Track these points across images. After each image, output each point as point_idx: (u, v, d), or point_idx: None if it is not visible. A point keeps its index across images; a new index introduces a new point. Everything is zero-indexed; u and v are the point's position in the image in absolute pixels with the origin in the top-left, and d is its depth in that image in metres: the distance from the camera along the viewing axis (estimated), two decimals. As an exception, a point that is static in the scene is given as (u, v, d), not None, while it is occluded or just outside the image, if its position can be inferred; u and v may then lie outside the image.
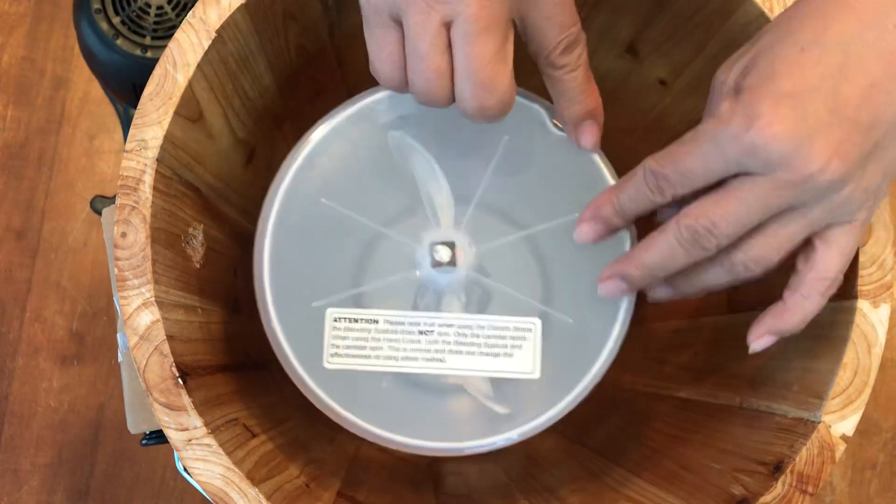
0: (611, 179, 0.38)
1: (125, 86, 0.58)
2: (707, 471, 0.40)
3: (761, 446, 0.38)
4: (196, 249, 0.41)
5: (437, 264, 0.37)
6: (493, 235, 0.39)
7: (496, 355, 0.38)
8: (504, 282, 0.39)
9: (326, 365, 0.37)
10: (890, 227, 0.36)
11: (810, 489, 0.35)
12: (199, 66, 0.36)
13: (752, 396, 0.40)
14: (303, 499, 0.38)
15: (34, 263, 0.78)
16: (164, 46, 0.36)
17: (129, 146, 0.36)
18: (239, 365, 0.44)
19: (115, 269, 0.35)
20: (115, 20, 0.56)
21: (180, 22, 0.36)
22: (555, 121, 0.38)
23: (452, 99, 0.33)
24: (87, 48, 0.57)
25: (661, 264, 0.33)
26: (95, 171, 0.80)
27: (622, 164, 0.36)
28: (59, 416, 0.76)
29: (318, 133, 0.39)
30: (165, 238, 0.37)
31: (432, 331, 0.38)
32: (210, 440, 0.35)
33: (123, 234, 0.35)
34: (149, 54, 0.55)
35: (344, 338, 0.38)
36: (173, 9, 0.56)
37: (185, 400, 0.35)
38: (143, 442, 0.51)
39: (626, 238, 0.38)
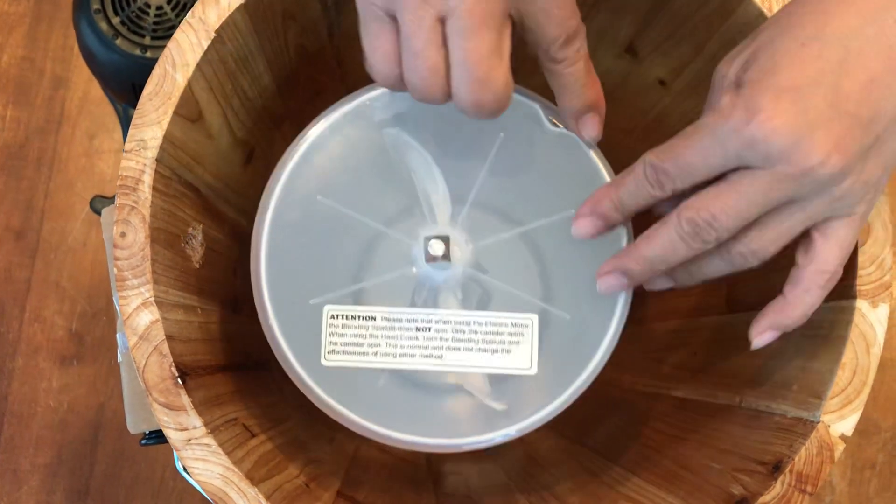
0: (607, 176, 0.38)
1: (124, 86, 0.58)
2: (706, 470, 0.40)
3: (760, 446, 0.38)
4: (195, 249, 0.41)
5: (431, 259, 0.37)
6: (489, 232, 0.39)
7: (494, 352, 0.38)
8: (501, 279, 0.39)
9: (324, 362, 0.37)
10: (889, 227, 0.36)
11: (809, 489, 0.35)
12: (198, 66, 0.36)
13: (752, 396, 0.41)
14: (302, 498, 0.38)
15: (34, 263, 0.78)
16: (164, 46, 0.36)
17: (128, 146, 0.36)
18: (238, 365, 0.44)
19: (115, 269, 0.35)
20: (115, 20, 0.56)
21: (180, 22, 0.36)
22: (551, 118, 0.38)
23: (449, 95, 0.33)
24: (87, 48, 0.57)
25: (661, 258, 0.33)
26: (95, 170, 0.80)
27: (621, 165, 0.36)
28: (59, 416, 0.76)
29: (315, 130, 0.39)
30: (165, 238, 0.37)
31: (430, 327, 0.38)
32: (209, 440, 0.35)
33: (123, 234, 0.35)
34: (148, 54, 0.55)
35: (341, 335, 0.38)
36: (173, 9, 0.56)
37: (185, 400, 0.35)
38: (143, 442, 0.51)
39: (622, 234, 0.38)
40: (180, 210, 0.39)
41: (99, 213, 0.52)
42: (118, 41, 0.55)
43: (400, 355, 0.38)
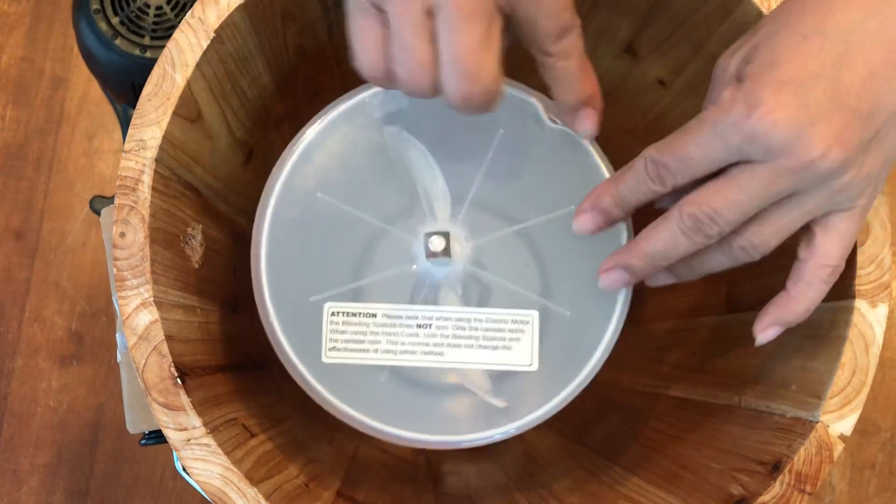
0: (607, 173, 0.38)
1: (124, 86, 0.58)
2: (706, 470, 0.40)
3: (760, 446, 0.38)
4: (195, 249, 0.41)
5: (431, 255, 0.37)
6: (489, 229, 0.39)
7: (494, 348, 0.38)
8: (501, 275, 0.39)
9: (325, 359, 0.37)
10: (887, 226, 0.36)
11: (808, 489, 0.35)
12: (197, 66, 0.36)
13: (751, 396, 0.41)
14: (302, 498, 0.38)
15: (33, 263, 0.78)
16: (163, 46, 0.36)
17: (127, 146, 0.36)
18: (238, 365, 0.44)
19: (114, 269, 0.35)
20: (114, 20, 0.56)
21: (179, 22, 0.36)
22: (550, 115, 0.38)
23: (437, 89, 0.32)
24: (86, 48, 0.57)
25: (663, 253, 0.33)
26: (94, 171, 0.80)
27: (620, 165, 0.36)
28: (59, 416, 0.76)
29: (315, 128, 0.39)
30: (164, 238, 0.37)
31: (430, 324, 0.38)
32: (209, 440, 0.35)
33: (122, 234, 0.35)
34: (148, 54, 0.55)
35: (342, 332, 0.38)
36: (172, 9, 0.56)
37: (184, 400, 0.35)
38: (142, 442, 0.51)
39: (622, 229, 0.38)
40: (180, 210, 0.39)
41: (98, 214, 0.52)
42: (118, 41, 0.55)
43: (401, 352, 0.37)
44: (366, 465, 0.50)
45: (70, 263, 0.78)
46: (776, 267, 0.34)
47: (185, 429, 0.35)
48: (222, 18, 0.36)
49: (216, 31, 0.36)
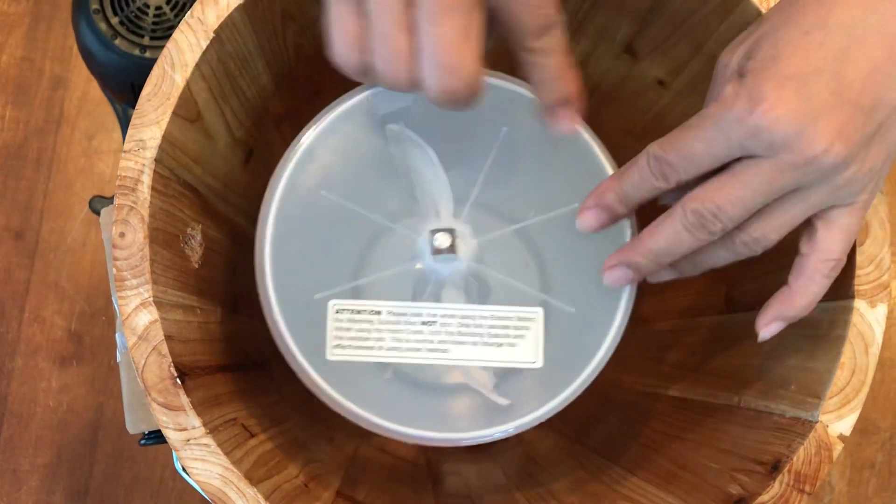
0: (610, 169, 0.38)
1: (124, 86, 0.58)
2: (705, 470, 0.40)
3: (759, 446, 0.38)
4: (194, 249, 0.41)
5: (436, 251, 0.37)
6: (492, 226, 0.39)
7: (499, 345, 0.37)
8: (505, 273, 0.38)
9: (329, 357, 0.37)
10: (886, 226, 0.36)
11: (808, 489, 0.35)
12: (197, 66, 0.36)
13: (750, 396, 0.41)
14: (301, 498, 0.38)
15: (33, 263, 0.78)
16: (163, 47, 0.36)
17: (127, 146, 0.36)
18: (238, 365, 0.44)
19: (114, 269, 0.35)
20: (114, 20, 0.56)
21: (178, 22, 0.36)
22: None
23: (416, 82, 0.31)
24: (86, 48, 0.57)
25: (667, 250, 0.33)
26: (94, 171, 0.80)
27: (620, 164, 0.36)
28: (58, 417, 0.76)
29: (318, 126, 0.39)
30: (164, 238, 0.37)
31: (435, 321, 0.37)
32: (208, 440, 0.35)
33: (122, 234, 0.35)
34: (147, 54, 0.55)
35: (347, 329, 0.37)
36: (172, 9, 0.56)
37: (184, 400, 0.35)
38: (142, 442, 0.51)
39: (626, 226, 0.38)
40: (179, 210, 0.39)
41: (98, 214, 0.52)
42: (117, 41, 0.55)
43: (405, 349, 0.37)
44: (365, 465, 0.50)
45: (70, 263, 0.78)
46: (776, 266, 0.34)
47: (185, 429, 0.35)
48: (222, 19, 0.36)
49: (215, 32, 0.36)
